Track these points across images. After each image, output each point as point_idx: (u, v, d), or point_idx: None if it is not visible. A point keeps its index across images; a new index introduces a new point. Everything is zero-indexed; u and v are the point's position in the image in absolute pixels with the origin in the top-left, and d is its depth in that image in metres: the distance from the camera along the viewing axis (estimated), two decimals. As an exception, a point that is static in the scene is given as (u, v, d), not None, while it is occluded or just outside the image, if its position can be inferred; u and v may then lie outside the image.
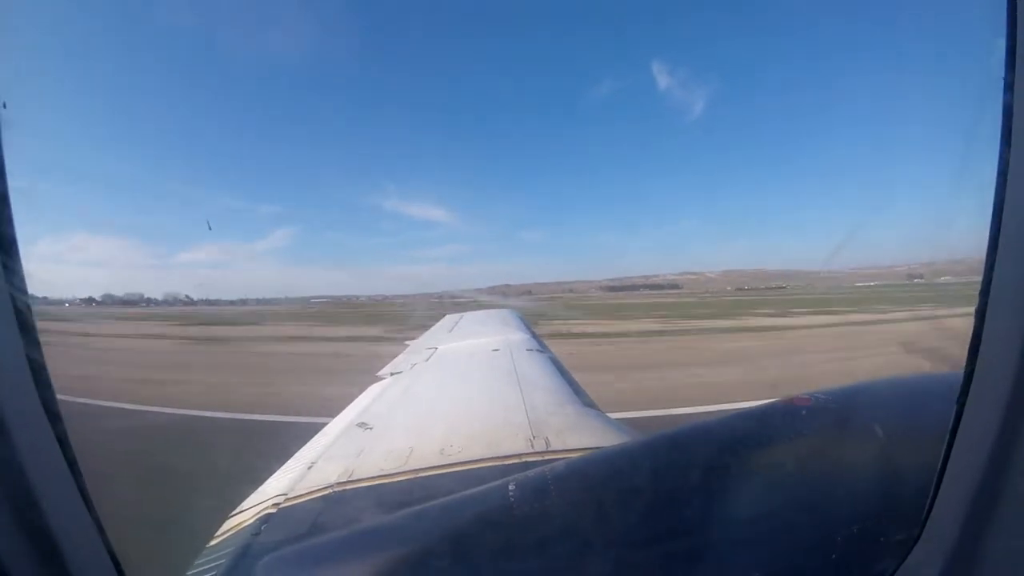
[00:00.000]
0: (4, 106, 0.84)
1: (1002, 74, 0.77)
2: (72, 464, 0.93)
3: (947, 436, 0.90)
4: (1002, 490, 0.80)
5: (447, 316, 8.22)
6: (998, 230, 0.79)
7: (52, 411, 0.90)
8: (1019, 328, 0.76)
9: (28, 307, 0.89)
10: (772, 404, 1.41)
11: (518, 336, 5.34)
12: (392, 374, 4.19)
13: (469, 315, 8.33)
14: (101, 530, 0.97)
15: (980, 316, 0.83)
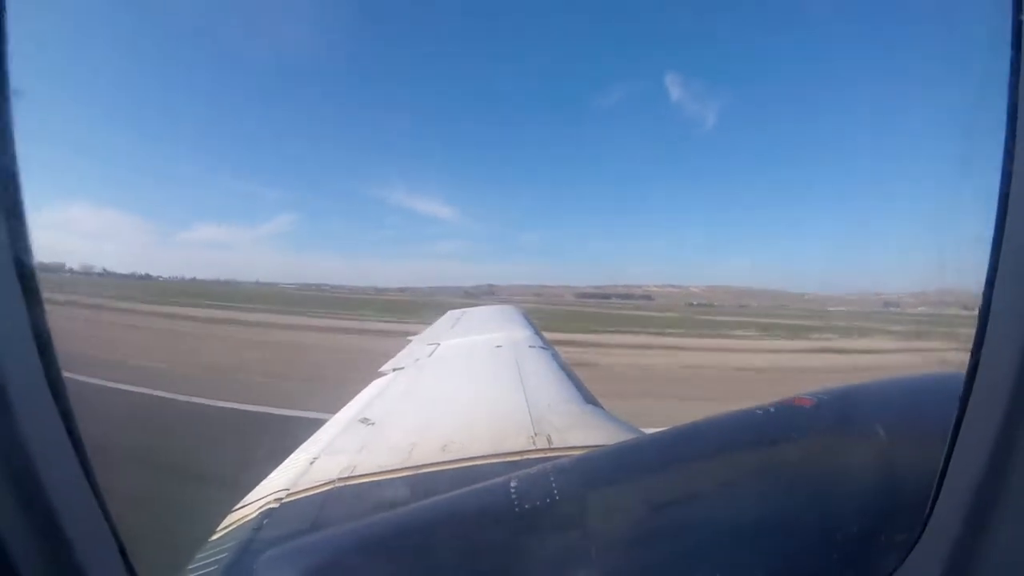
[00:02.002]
0: (15, 95, 0.85)
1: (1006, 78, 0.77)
2: (77, 442, 0.93)
3: (949, 437, 0.90)
4: (1004, 492, 0.79)
5: (449, 312, 8.23)
6: (1002, 231, 0.78)
7: (57, 386, 0.89)
8: (1021, 329, 0.75)
9: (34, 276, 0.88)
10: (774, 404, 1.40)
11: (521, 333, 5.34)
12: (394, 370, 4.20)
13: (472, 311, 8.34)
14: (106, 512, 0.97)
15: (983, 317, 0.82)
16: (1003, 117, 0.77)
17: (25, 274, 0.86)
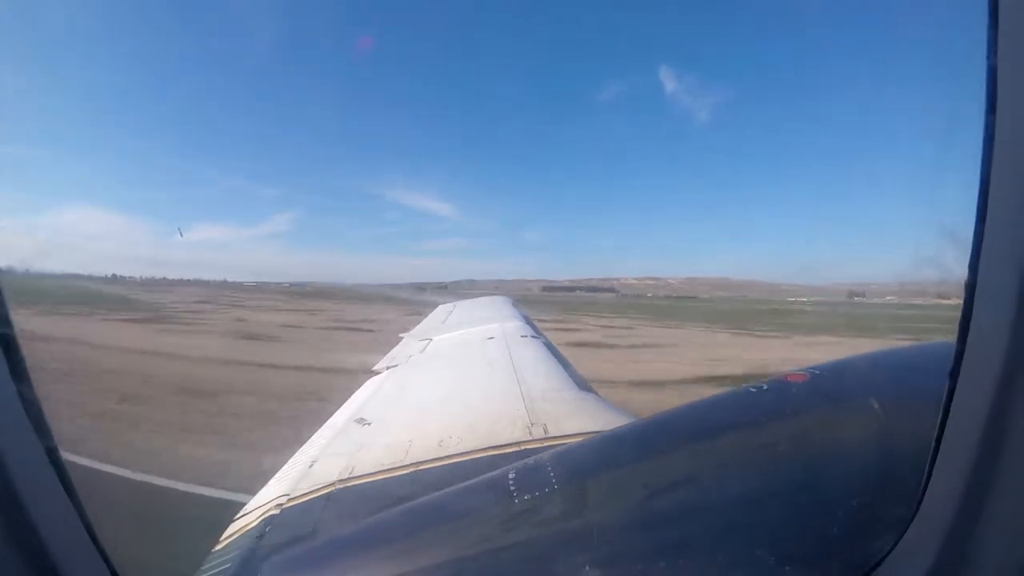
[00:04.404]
0: None
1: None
2: (60, 469, 0.91)
3: (941, 411, 0.90)
4: (998, 467, 0.80)
5: (440, 306, 8.19)
6: (985, 209, 0.79)
7: (36, 416, 0.88)
8: (1008, 302, 0.76)
9: (6, 314, 0.87)
10: (768, 382, 1.41)
11: (512, 323, 5.35)
12: (388, 368, 4.18)
13: (463, 304, 8.31)
14: (93, 536, 0.96)
15: (970, 290, 0.83)
16: (982, 113, 0.78)
17: None
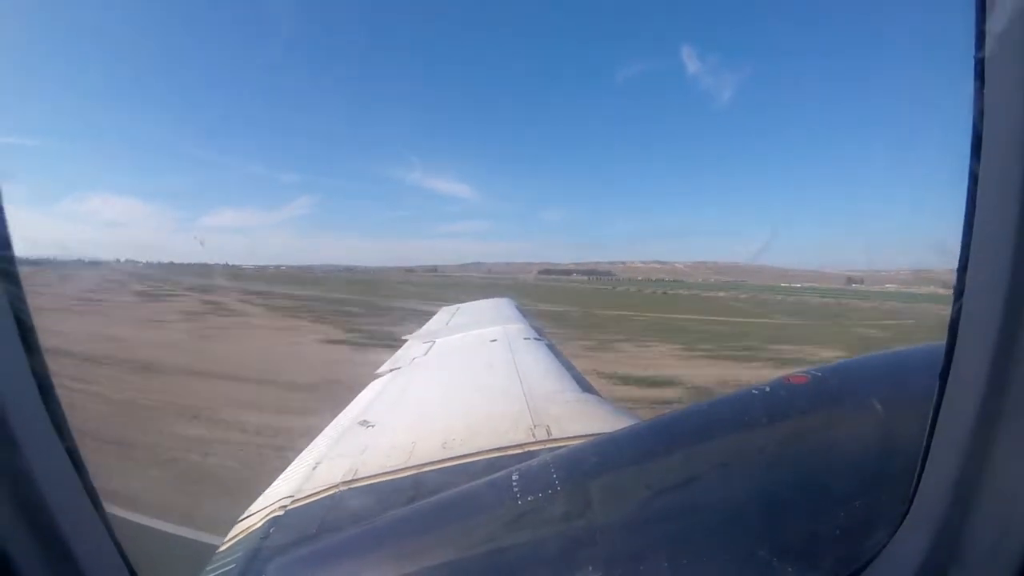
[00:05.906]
0: None
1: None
2: (80, 467, 0.93)
3: (931, 412, 0.92)
4: (984, 467, 0.82)
5: (443, 308, 8.21)
6: (973, 215, 0.81)
7: (56, 416, 0.90)
8: (996, 305, 0.77)
9: (28, 313, 0.88)
10: (769, 383, 1.42)
11: (514, 325, 5.36)
12: (392, 370, 4.19)
13: (466, 306, 8.32)
14: (112, 534, 0.98)
15: (959, 294, 0.85)
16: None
17: (17, 311, 0.86)
